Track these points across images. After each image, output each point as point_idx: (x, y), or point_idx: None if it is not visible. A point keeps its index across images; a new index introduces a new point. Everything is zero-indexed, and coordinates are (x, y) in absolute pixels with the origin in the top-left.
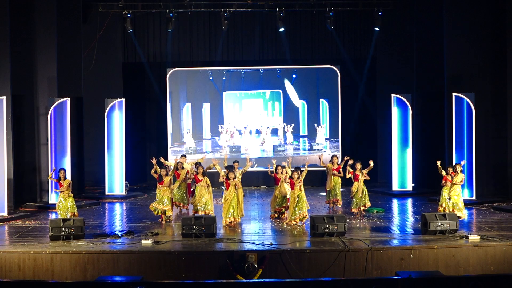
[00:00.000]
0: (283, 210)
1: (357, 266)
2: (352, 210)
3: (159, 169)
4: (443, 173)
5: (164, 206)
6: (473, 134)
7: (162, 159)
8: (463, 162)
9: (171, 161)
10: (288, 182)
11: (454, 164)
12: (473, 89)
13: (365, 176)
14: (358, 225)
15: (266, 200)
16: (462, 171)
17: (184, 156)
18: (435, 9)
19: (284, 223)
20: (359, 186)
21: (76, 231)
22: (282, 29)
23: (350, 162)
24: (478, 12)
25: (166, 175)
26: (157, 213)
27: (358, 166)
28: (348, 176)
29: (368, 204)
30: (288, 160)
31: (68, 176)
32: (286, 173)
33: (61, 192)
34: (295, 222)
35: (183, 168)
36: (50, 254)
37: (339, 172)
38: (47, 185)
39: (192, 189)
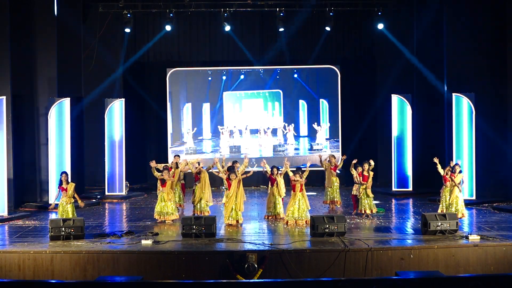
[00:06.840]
0: (275, 217)
1: (357, 266)
2: (359, 211)
3: (156, 173)
4: (442, 172)
5: (172, 216)
6: (473, 134)
7: (152, 164)
8: (459, 162)
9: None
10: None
11: (453, 164)
12: (473, 89)
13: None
14: (358, 225)
15: (266, 200)
16: (460, 171)
17: (178, 156)
18: (435, 9)
19: (281, 222)
20: (367, 187)
21: (76, 231)
22: (281, 29)
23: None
24: (478, 12)
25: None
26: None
27: (366, 166)
28: (355, 176)
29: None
30: (285, 159)
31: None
32: (281, 172)
33: (67, 197)
34: (291, 222)
35: (177, 167)
36: (50, 254)
37: (336, 172)
38: (47, 185)
39: (193, 189)
